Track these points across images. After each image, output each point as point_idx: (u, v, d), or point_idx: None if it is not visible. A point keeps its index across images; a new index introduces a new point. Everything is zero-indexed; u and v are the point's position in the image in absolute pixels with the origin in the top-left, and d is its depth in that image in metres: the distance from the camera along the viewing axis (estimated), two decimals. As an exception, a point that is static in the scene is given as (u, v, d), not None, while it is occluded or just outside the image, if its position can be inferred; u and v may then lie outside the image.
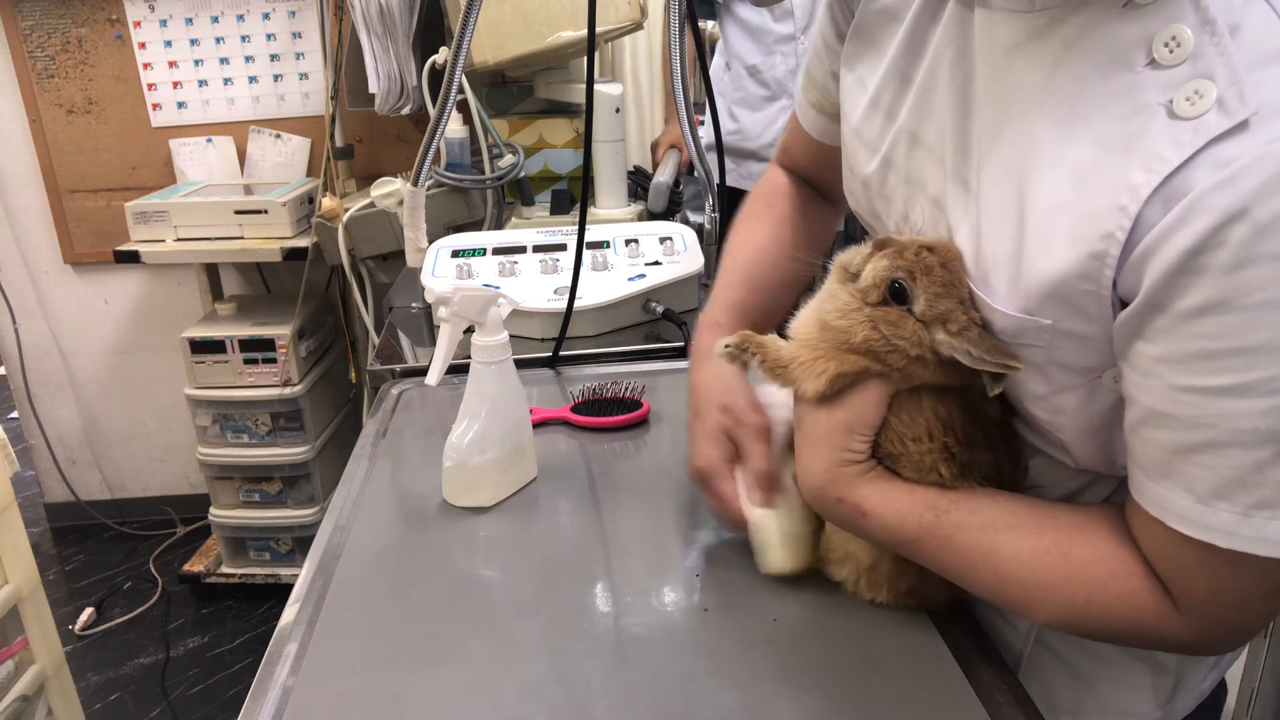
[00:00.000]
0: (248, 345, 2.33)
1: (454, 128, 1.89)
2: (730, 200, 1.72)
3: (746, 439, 0.76)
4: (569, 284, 1.19)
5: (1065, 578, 0.59)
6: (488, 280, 1.33)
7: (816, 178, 0.95)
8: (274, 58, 2.54)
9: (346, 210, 1.97)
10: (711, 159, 1.41)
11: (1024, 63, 0.57)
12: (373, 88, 2.13)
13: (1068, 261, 0.53)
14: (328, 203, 2.00)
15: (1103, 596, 0.58)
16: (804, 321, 0.69)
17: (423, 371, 1.17)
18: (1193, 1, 0.50)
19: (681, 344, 1.25)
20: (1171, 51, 0.50)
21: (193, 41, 2.51)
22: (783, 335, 0.71)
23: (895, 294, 0.63)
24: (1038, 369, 0.59)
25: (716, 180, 1.44)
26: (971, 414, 0.66)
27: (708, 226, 1.50)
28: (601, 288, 1.30)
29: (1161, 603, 0.57)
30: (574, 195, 1.90)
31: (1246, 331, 0.47)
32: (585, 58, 1.16)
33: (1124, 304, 0.53)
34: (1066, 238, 0.53)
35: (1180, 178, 0.49)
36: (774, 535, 0.74)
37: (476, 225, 1.91)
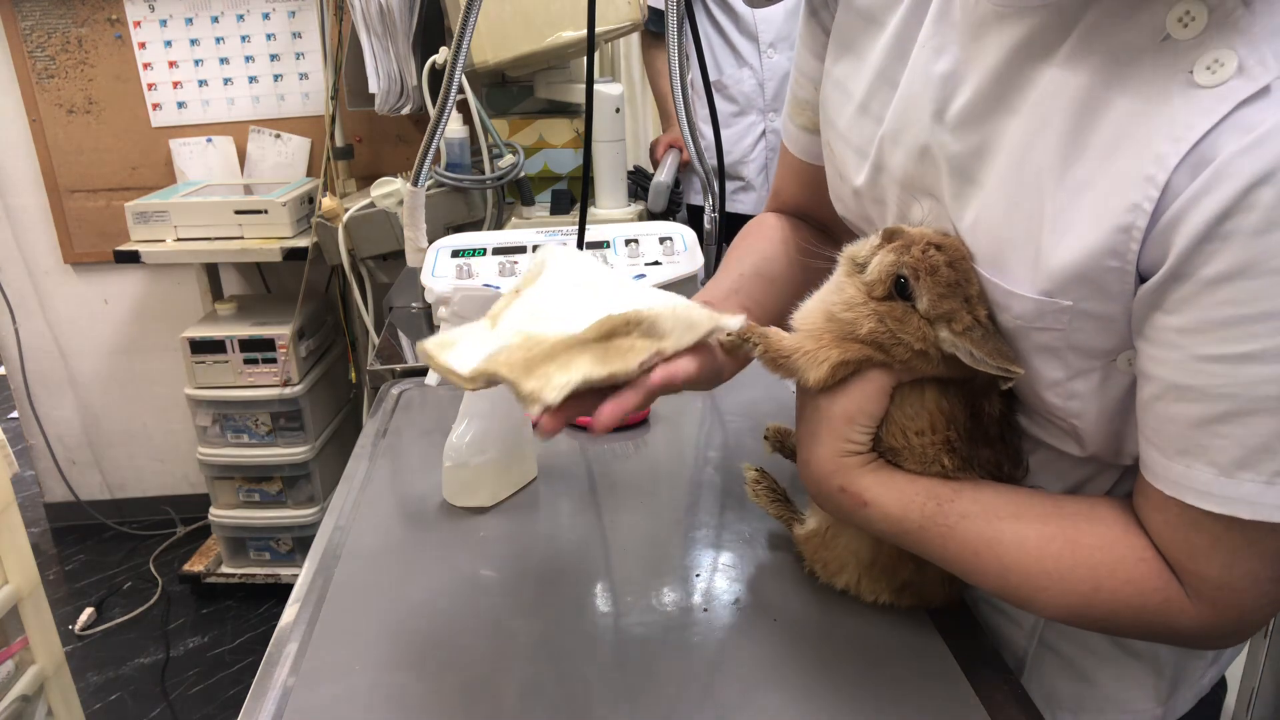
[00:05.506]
0: (248, 345, 2.33)
1: (454, 128, 1.89)
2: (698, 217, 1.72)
3: None
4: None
5: (1071, 565, 0.59)
6: (488, 280, 1.33)
7: (815, 211, 0.90)
8: (274, 58, 2.54)
9: (346, 210, 1.97)
10: (711, 156, 1.41)
11: (1035, 56, 0.57)
12: (373, 88, 2.13)
13: (1093, 238, 0.53)
14: (328, 203, 2.00)
15: (1110, 583, 0.58)
16: (808, 313, 0.69)
17: (423, 372, 1.16)
18: None
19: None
20: (1186, 26, 0.50)
21: (193, 41, 2.51)
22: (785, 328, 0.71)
23: (900, 289, 0.63)
24: (1054, 354, 0.59)
25: (717, 185, 1.44)
26: (973, 410, 0.66)
27: (708, 226, 1.51)
28: (601, 288, 1.29)
29: (1170, 587, 0.57)
30: (574, 195, 1.90)
31: (1274, 295, 0.47)
32: (585, 58, 1.16)
33: (1143, 279, 0.53)
34: (1091, 214, 0.53)
35: (1206, 144, 0.49)
36: None
37: (476, 225, 1.91)
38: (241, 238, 2.31)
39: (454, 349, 0.64)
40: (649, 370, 0.63)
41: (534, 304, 0.67)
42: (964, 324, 0.61)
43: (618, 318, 0.63)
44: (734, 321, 0.67)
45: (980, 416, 0.66)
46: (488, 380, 0.61)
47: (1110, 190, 0.52)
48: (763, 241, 0.88)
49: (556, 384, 0.59)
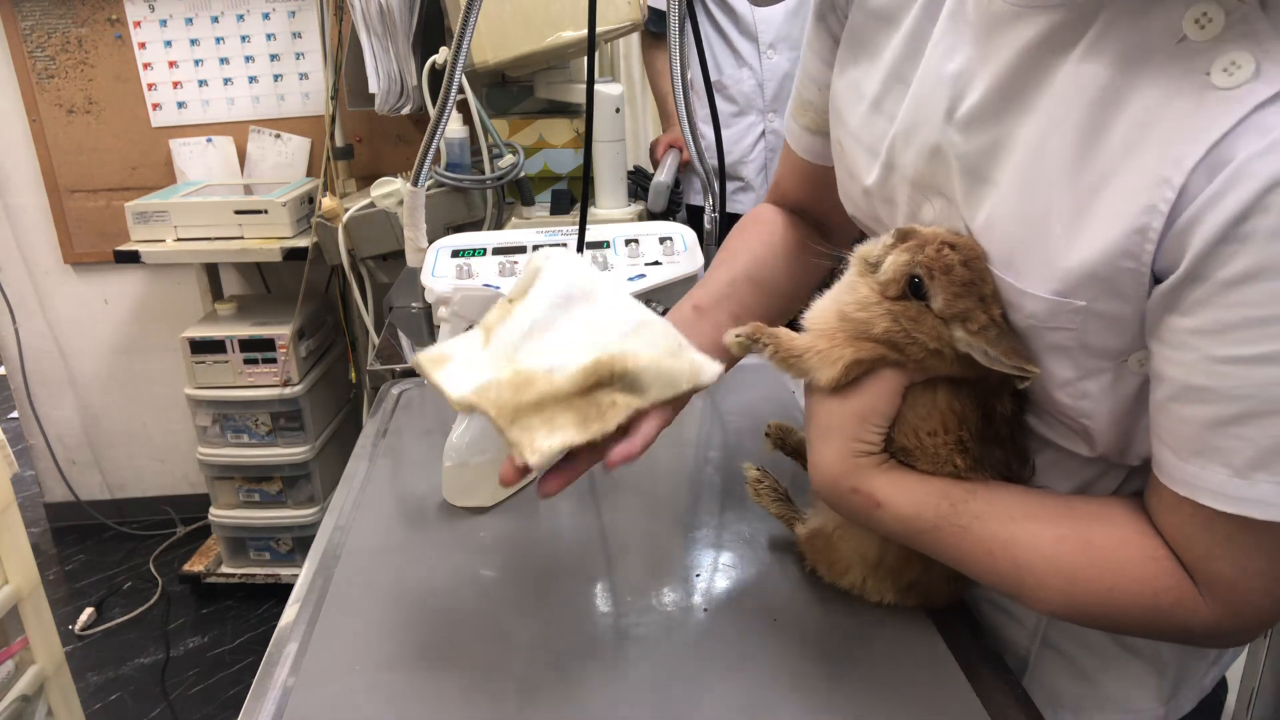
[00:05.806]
0: (248, 345, 2.33)
1: (454, 128, 1.89)
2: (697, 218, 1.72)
3: None
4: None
5: (1085, 564, 0.59)
6: (488, 280, 1.33)
7: (813, 208, 0.91)
8: (274, 58, 2.54)
9: (346, 210, 1.97)
10: (711, 156, 1.41)
11: (1050, 55, 0.57)
12: (373, 88, 2.13)
13: (1108, 239, 0.53)
14: (328, 203, 2.00)
15: (1123, 582, 0.58)
16: (820, 312, 0.68)
17: (423, 371, 1.16)
18: None
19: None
20: (1203, 27, 0.50)
21: (193, 41, 2.51)
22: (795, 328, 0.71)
23: (914, 289, 0.63)
24: (1066, 353, 0.59)
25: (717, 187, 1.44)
26: (985, 410, 0.66)
27: (708, 226, 1.51)
28: (601, 288, 1.29)
29: (1183, 586, 0.57)
30: (574, 195, 1.90)
31: None
32: (585, 58, 1.16)
33: (1157, 280, 0.53)
34: (1106, 215, 0.53)
35: (1224, 146, 0.49)
36: None
37: (476, 225, 1.91)
38: (241, 238, 2.31)
39: (447, 366, 0.68)
40: (619, 430, 0.68)
41: (528, 322, 0.70)
42: (979, 323, 0.61)
43: (604, 365, 0.67)
44: (712, 373, 0.72)
45: (992, 416, 0.66)
46: (474, 410, 0.65)
47: (1126, 192, 0.52)
48: (757, 241, 0.88)
49: (540, 447, 0.63)
